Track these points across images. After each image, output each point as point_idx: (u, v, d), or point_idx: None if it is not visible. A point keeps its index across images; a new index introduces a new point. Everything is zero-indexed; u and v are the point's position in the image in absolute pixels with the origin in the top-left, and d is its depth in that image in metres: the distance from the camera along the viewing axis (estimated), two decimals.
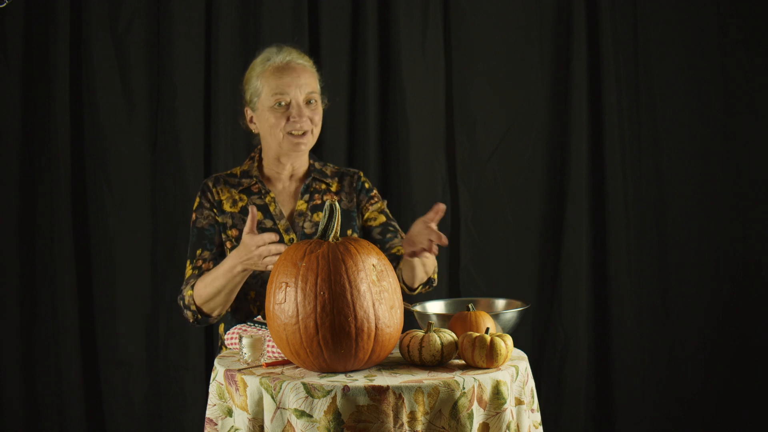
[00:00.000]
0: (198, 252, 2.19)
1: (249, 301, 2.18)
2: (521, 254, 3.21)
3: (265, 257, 1.95)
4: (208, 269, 2.15)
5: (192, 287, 2.11)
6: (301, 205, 2.25)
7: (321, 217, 2.22)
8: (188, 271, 2.19)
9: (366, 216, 2.31)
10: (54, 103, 2.94)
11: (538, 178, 3.22)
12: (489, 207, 3.19)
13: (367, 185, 2.35)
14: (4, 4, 2.74)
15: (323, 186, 2.30)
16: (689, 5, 3.19)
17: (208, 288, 2.06)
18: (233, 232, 2.20)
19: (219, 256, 2.19)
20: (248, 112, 2.30)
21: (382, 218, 2.30)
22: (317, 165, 2.33)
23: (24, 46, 2.94)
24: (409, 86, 3.10)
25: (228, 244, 2.20)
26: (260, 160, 2.32)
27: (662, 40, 3.20)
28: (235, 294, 2.09)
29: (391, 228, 2.28)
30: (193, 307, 2.11)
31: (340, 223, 1.72)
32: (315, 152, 3.11)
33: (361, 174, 2.36)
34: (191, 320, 2.14)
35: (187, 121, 3.01)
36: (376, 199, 2.33)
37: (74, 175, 2.99)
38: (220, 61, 3.01)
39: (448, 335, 1.69)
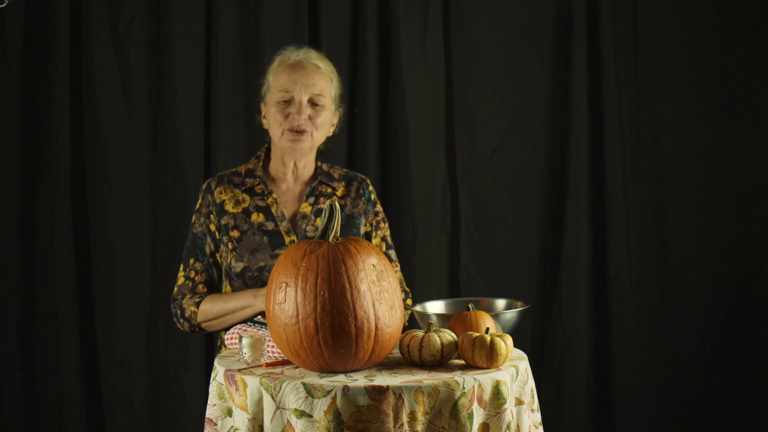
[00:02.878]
0: (191, 261, 2.25)
1: None
2: (521, 254, 3.21)
3: None
4: (201, 282, 2.22)
5: (196, 304, 2.18)
6: (305, 208, 2.25)
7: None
8: (180, 278, 2.24)
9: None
10: (54, 103, 2.94)
11: (538, 178, 3.22)
12: (489, 207, 3.19)
13: (373, 196, 2.34)
14: (4, 4, 2.74)
15: (329, 190, 2.29)
16: (689, 5, 3.19)
17: (216, 310, 2.14)
18: (235, 233, 2.20)
19: (210, 266, 2.24)
20: (262, 108, 2.32)
21: (383, 246, 2.32)
22: (325, 167, 2.33)
23: (24, 46, 2.94)
24: (409, 86, 3.10)
25: (230, 245, 2.21)
26: (266, 159, 2.32)
27: (662, 40, 3.20)
28: (236, 324, 2.15)
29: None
30: (193, 321, 2.18)
31: (340, 224, 1.72)
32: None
33: (369, 181, 2.36)
34: (186, 329, 2.21)
35: (187, 121, 3.01)
36: (380, 218, 2.33)
37: (74, 175, 2.98)
38: (220, 61, 3.01)
39: (448, 335, 1.69)
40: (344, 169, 2.38)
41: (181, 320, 2.21)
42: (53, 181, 2.96)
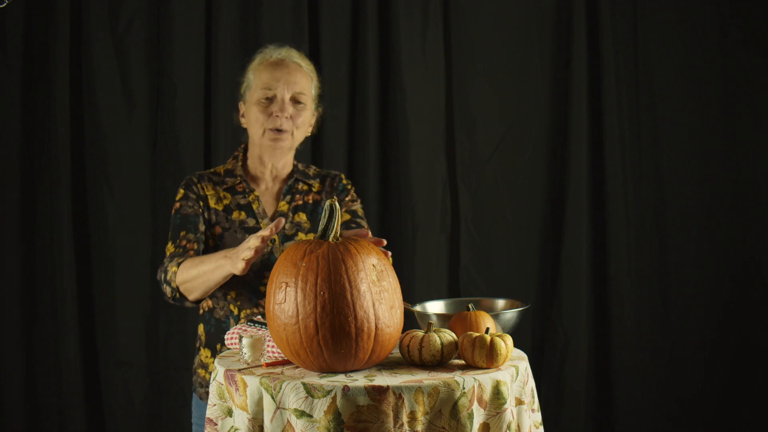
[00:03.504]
0: (182, 233, 2.17)
1: (229, 300, 2.17)
2: (521, 254, 3.21)
3: (243, 252, 1.87)
4: (193, 249, 2.13)
5: (178, 264, 2.08)
6: (283, 206, 2.23)
7: (302, 217, 2.21)
8: (170, 249, 2.16)
9: None
10: (54, 103, 2.94)
11: (538, 178, 3.22)
12: (489, 207, 3.19)
13: (348, 186, 2.32)
14: (4, 4, 2.74)
15: (305, 187, 2.27)
16: (689, 5, 3.20)
17: (193, 271, 2.03)
18: (217, 230, 2.18)
19: (200, 241, 2.17)
20: (241, 107, 2.29)
21: (347, 216, 2.27)
22: (300, 166, 2.31)
23: (24, 46, 2.94)
24: (409, 86, 3.10)
25: (211, 242, 2.19)
26: (245, 159, 2.30)
27: (662, 40, 3.20)
28: (212, 289, 2.05)
29: (353, 225, 2.25)
30: (173, 284, 2.07)
31: (340, 223, 1.71)
32: (315, 152, 3.13)
33: (343, 176, 2.34)
34: (168, 296, 2.10)
35: (187, 121, 3.02)
36: (349, 198, 2.30)
37: (74, 175, 2.99)
38: (220, 61, 3.01)
39: (448, 335, 1.69)
40: (318, 168, 2.36)
41: (164, 285, 2.11)
42: (53, 181, 2.96)
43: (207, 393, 2.12)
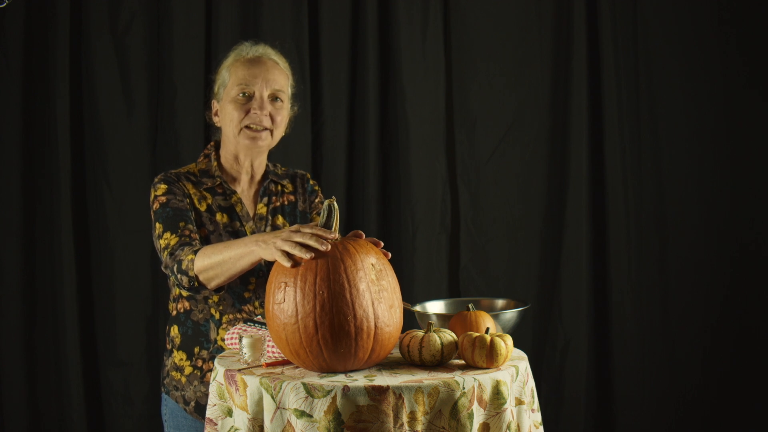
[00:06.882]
0: (181, 224, 2.03)
1: (210, 304, 2.09)
2: (521, 254, 3.21)
3: (284, 238, 1.70)
4: (198, 239, 2.02)
5: (194, 253, 1.94)
6: (261, 209, 2.18)
7: (281, 220, 2.19)
8: (172, 239, 2.01)
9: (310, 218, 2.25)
10: (54, 103, 2.94)
11: (538, 179, 3.22)
12: (489, 207, 3.19)
13: (316, 187, 2.28)
14: (4, 4, 2.74)
15: (279, 187, 2.22)
16: (689, 5, 3.20)
17: (216, 258, 1.90)
18: (203, 232, 2.09)
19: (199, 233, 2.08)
20: (215, 105, 2.23)
21: (318, 218, 2.20)
22: (270, 166, 2.24)
23: (24, 46, 2.94)
24: (409, 86, 3.10)
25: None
26: (218, 157, 2.21)
27: (662, 40, 3.20)
28: (235, 277, 1.94)
29: None
30: (191, 273, 1.94)
31: (338, 223, 1.71)
32: (315, 152, 3.13)
33: (309, 176, 2.30)
34: (186, 285, 1.96)
35: (187, 121, 3.01)
36: (318, 200, 2.27)
37: (74, 175, 2.98)
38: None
39: (448, 335, 1.69)
40: (284, 167, 2.29)
41: (179, 276, 1.96)
42: (53, 181, 2.96)
43: (182, 396, 2.07)
